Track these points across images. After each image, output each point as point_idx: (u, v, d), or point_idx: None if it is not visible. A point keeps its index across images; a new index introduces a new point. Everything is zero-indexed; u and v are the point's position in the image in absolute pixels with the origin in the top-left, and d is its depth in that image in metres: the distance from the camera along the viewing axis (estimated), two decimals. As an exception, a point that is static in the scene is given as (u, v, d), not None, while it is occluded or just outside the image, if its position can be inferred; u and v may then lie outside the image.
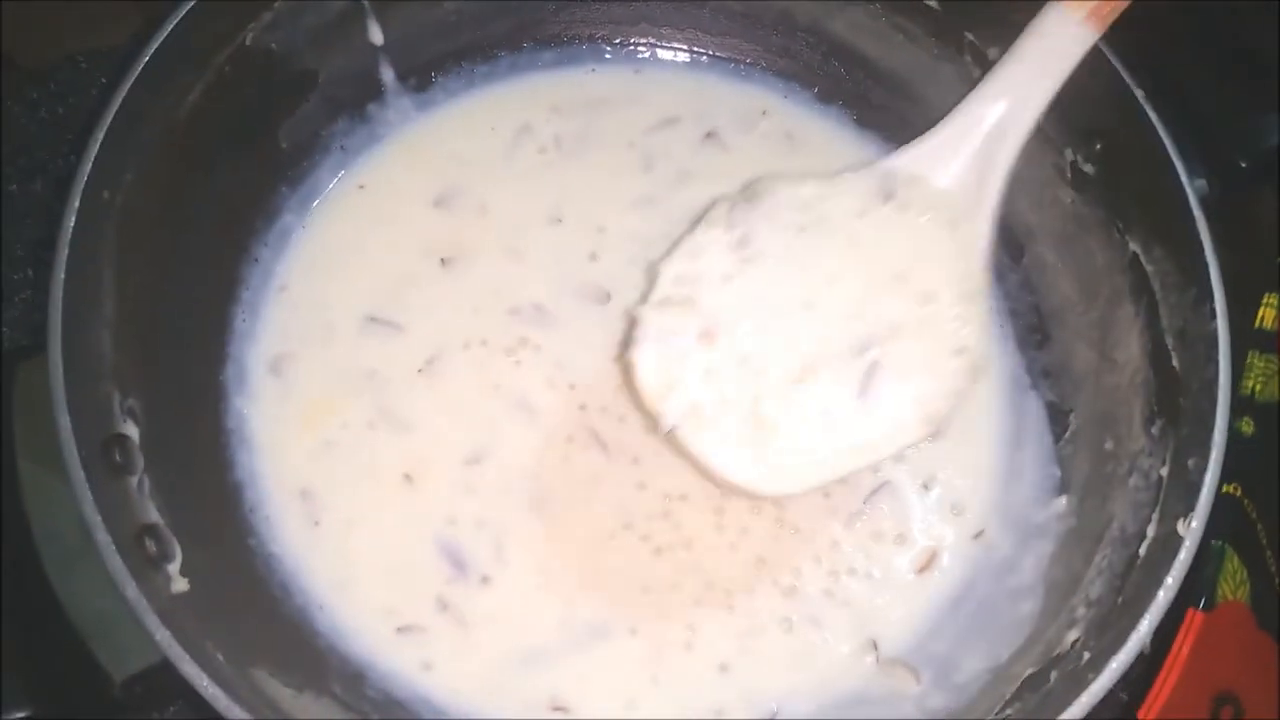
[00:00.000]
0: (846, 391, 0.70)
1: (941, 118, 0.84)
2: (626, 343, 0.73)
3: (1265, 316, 0.80)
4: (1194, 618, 0.67)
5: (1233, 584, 0.76)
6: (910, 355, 0.70)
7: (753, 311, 0.71)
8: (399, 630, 0.71)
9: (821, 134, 0.89)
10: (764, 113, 0.90)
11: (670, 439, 0.71)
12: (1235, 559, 0.74)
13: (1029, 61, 0.71)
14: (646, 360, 0.71)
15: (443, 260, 0.82)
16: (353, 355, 0.79)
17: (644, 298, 0.73)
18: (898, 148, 0.86)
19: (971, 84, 0.80)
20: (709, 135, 0.88)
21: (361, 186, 0.85)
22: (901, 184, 0.73)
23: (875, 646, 0.72)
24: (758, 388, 0.70)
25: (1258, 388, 0.76)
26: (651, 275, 0.73)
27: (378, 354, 0.79)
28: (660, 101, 0.89)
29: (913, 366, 0.70)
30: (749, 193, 0.73)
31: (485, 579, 0.72)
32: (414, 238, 0.83)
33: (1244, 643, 0.76)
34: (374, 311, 0.80)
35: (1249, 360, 0.75)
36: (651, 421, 0.74)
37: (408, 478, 0.75)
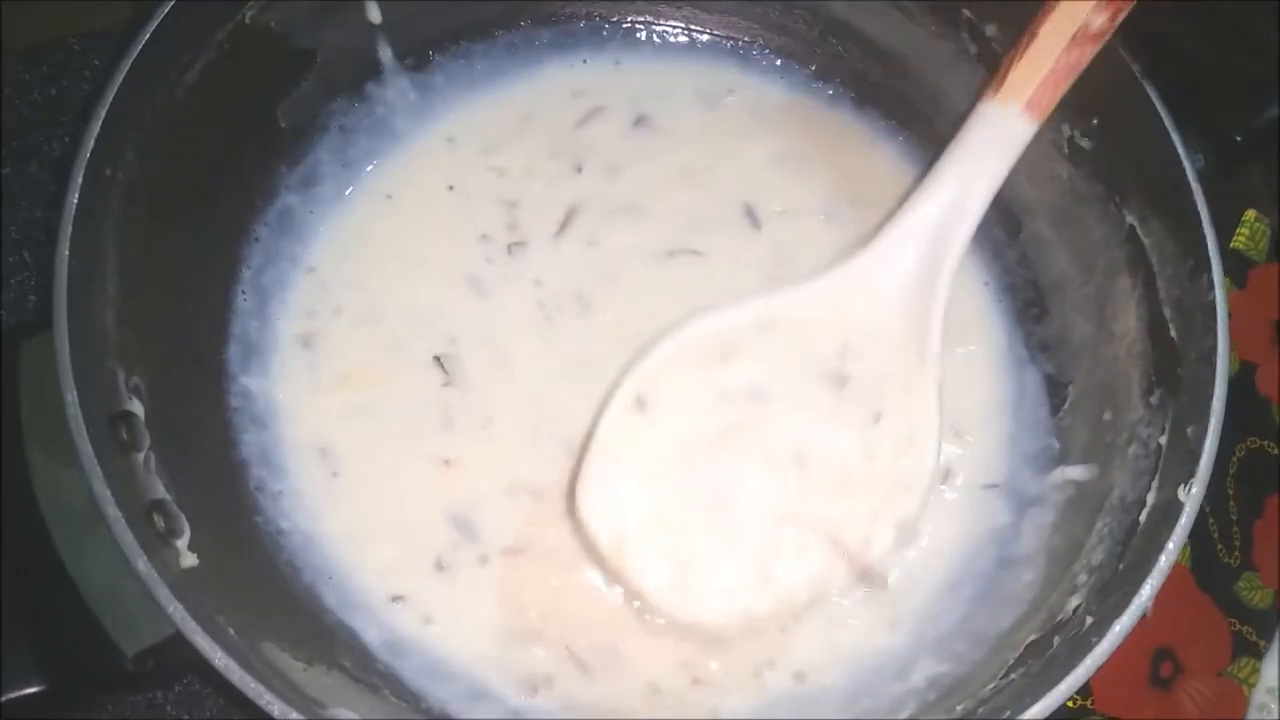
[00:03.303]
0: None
1: (939, 95, 0.85)
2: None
3: None
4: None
5: None
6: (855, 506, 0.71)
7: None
8: (398, 601, 0.71)
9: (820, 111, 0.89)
10: (730, 91, 0.90)
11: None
12: None
13: (967, 160, 0.71)
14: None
15: (510, 246, 0.83)
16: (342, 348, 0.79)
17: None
18: (895, 125, 0.88)
19: (970, 61, 0.81)
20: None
21: (371, 168, 0.85)
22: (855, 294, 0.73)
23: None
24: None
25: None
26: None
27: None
28: (658, 77, 0.90)
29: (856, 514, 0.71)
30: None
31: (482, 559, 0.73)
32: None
33: (1184, 603, 0.81)
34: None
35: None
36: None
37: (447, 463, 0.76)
